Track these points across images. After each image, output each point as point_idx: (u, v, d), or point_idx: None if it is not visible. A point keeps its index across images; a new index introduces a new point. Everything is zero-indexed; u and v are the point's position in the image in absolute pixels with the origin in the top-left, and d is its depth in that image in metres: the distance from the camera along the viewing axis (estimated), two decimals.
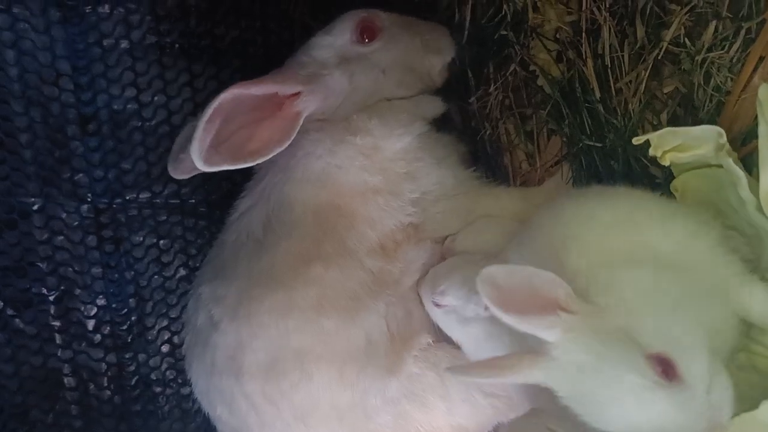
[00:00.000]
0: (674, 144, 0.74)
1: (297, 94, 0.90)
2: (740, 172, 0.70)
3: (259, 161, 0.87)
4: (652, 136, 0.74)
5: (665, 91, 0.82)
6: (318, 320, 0.85)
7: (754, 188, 0.69)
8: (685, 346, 0.62)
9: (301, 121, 0.89)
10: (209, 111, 0.83)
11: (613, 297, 0.65)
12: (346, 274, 0.87)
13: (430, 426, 0.89)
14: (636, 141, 0.75)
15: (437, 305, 0.88)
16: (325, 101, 0.92)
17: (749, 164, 0.73)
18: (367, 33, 0.95)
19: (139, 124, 1.00)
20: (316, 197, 0.89)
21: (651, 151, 0.74)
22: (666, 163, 0.74)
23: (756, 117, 0.71)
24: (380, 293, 0.88)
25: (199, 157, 0.83)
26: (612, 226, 0.71)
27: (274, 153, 0.87)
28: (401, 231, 0.91)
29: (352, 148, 0.90)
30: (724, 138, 0.72)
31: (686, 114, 0.80)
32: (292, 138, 0.88)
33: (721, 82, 0.77)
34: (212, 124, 0.84)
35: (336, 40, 0.94)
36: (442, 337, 0.91)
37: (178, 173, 0.94)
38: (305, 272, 0.86)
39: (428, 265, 0.91)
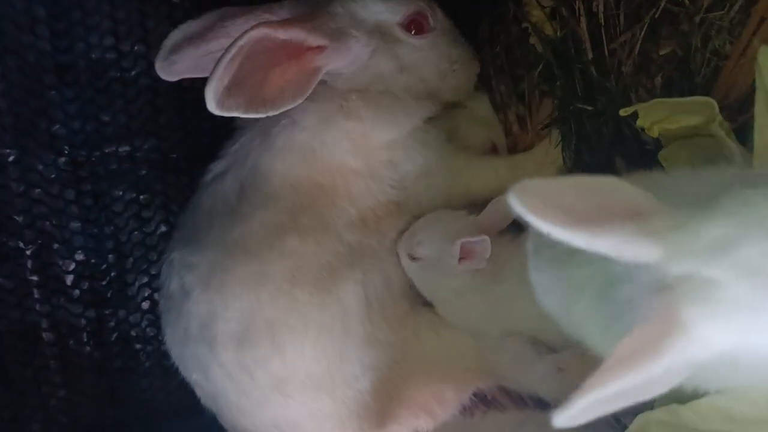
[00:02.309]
0: (663, 115, 0.70)
1: (321, 47, 0.83)
2: (732, 145, 0.66)
3: (271, 113, 0.80)
4: (640, 107, 0.70)
5: (661, 53, 0.78)
6: (291, 291, 0.83)
7: (748, 160, 0.66)
8: None
9: (318, 78, 0.83)
10: (234, 49, 0.76)
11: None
12: (322, 246, 0.85)
13: (410, 391, 0.88)
14: (624, 112, 0.71)
15: (413, 258, 0.87)
16: (342, 64, 0.86)
17: (745, 134, 0.70)
18: (415, 26, 0.89)
19: (119, 74, 0.97)
20: (296, 170, 0.86)
21: (639, 122, 0.71)
22: (654, 134, 0.71)
23: (754, 83, 0.68)
24: (357, 263, 0.86)
25: (213, 99, 0.76)
26: None
27: (288, 107, 0.81)
28: (382, 207, 0.89)
29: (340, 129, 0.86)
30: (717, 109, 0.68)
31: (682, 78, 0.77)
32: (307, 94, 0.82)
33: (719, 45, 0.73)
34: (232, 64, 0.77)
35: (385, 10, 0.88)
36: (421, 303, 0.90)
37: (167, 74, 0.87)
38: (280, 244, 0.84)
39: (403, 229, 0.90)
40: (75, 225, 1.00)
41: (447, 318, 0.88)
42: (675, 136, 0.72)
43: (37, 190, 0.98)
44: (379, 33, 0.87)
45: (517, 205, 0.44)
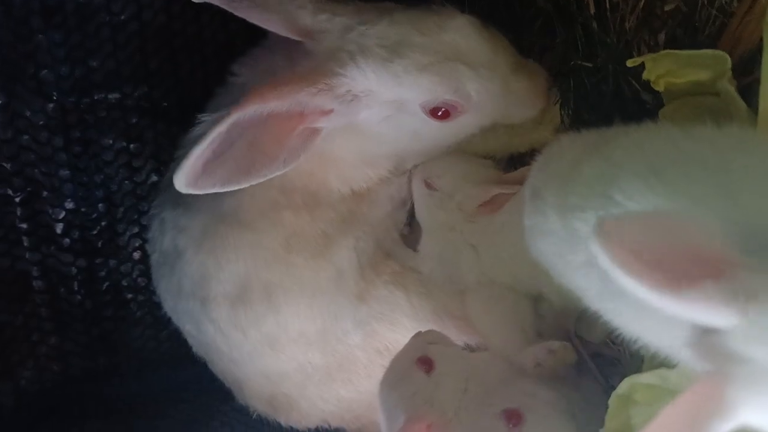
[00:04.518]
0: (671, 68, 0.68)
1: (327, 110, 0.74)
2: (741, 102, 0.65)
3: (254, 183, 0.73)
4: (648, 58, 0.68)
5: (666, 9, 0.76)
6: (287, 257, 0.83)
7: (753, 122, 0.65)
8: None
9: (318, 139, 0.74)
10: (212, 135, 0.68)
11: None
12: (316, 217, 0.85)
13: (398, 344, 0.89)
14: (630, 63, 0.69)
15: (428, 185, 0.88)
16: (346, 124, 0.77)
17: (748, 96, 0.68)
18: (443, 113, 0.76)
19: (107, 18, 0.94)
20: None
21: (645, 75, 0.69)
22: (660, 88, 0.69)
23: (760, 42, 0.66)
24: (350, 230, 0.86)
25: (184, 182, 0.70)
26: None
27: (275, 174, 0.73)
28: (374, 181, 0.89)
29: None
30: (729, 64, 0.66)
31: (686, 35, 0.74)
32: (301, 157, 0.73)
33: (726, 2, 0.71)
34: (211, 145, 0.69)
35: (408, 91, 0.75)
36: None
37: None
38: (274, 217, 0.83)
39: (395, 197, 0.90)
40: (64, 173, 0.99)
41: (428, 251, 0.89)
42: (679, 93, 0.71)
43: (26, 137, 0.96)
44: (396, 104, 0.77)
45: (603, 254, 0.40)
